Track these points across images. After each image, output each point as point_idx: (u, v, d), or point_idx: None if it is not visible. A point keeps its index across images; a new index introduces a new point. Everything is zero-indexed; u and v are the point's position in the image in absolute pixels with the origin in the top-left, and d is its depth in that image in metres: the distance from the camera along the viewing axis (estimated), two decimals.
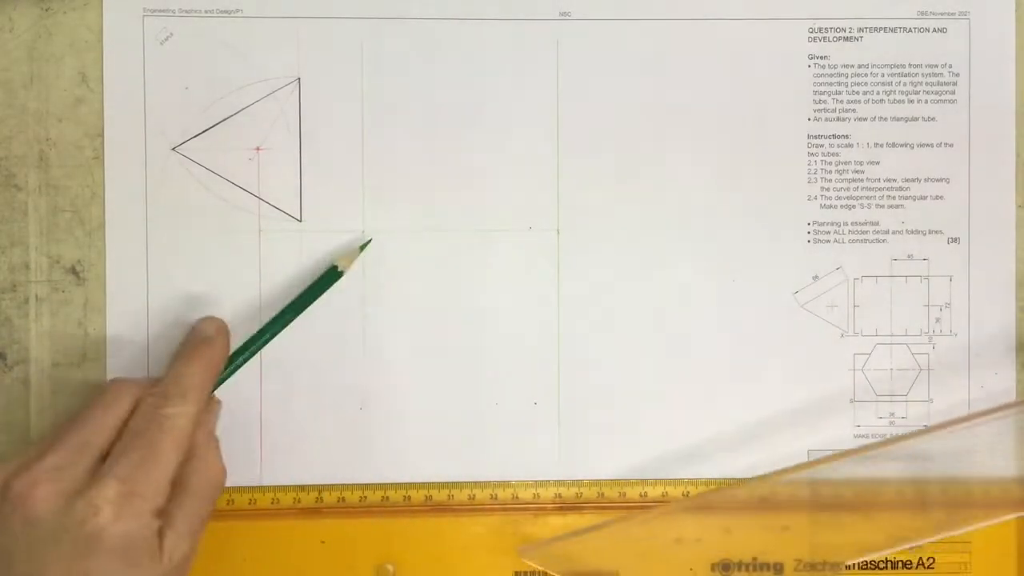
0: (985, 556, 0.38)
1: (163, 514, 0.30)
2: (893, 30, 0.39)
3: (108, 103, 0.37)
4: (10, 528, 0.29)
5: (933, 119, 0.39)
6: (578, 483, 0.38)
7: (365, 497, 0.37)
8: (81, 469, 0.30)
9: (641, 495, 0.38)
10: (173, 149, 0.37)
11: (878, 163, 0.38)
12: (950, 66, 0.39)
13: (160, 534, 0.30)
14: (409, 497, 0.37)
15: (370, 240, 0.37)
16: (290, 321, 0.36)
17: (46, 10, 0.37)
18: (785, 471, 0.38)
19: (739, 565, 0.38)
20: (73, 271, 0.37)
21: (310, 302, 0.36)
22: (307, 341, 0.37)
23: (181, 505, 0.31)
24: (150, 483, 0.30)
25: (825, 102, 0.38)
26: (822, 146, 0.38)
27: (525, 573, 0.38)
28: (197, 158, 0.37)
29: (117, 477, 0.29)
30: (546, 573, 0.38)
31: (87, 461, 0.30)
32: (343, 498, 0.37)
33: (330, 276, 0.36)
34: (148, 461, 0.30)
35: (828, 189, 0.38)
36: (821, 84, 0.38)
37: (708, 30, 0.38)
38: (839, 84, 0.38)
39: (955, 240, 0.39)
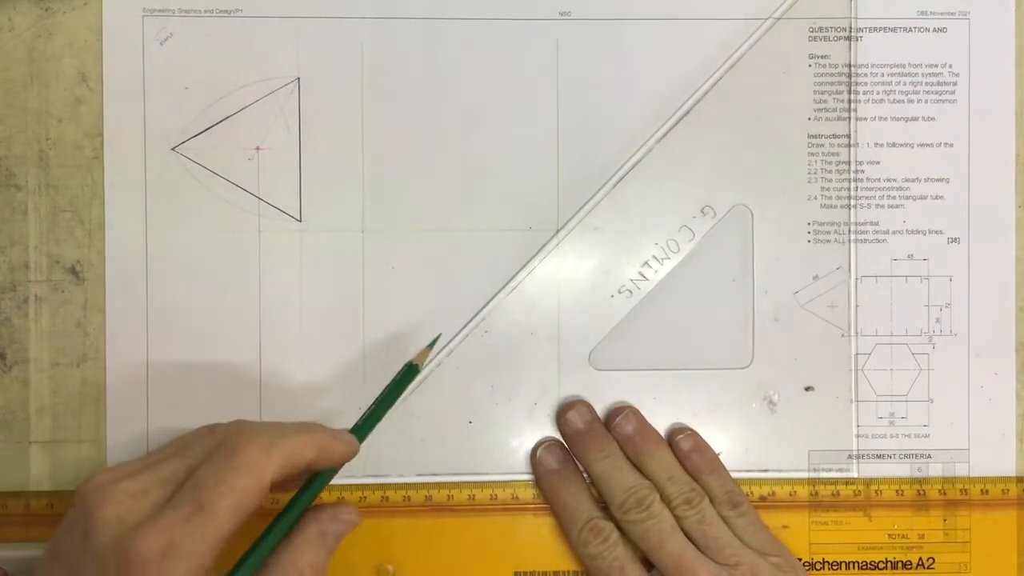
0: (985, 556, 0.39)
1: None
2: (893, 30, 0.39)
3: (108, 103, 0.38)
4: (73, 534, 0.29)
5: (933, 119, 0.39)
6: None
7: (365, 497, 0.38)
8: (149, 503, 0.29)
9: None
10: (173, 149, 0.38)
11: (878, 163, 0.39)
12: (950, 66, 0.39)
13: None
14: (409, 497, 0.38)
15: (439, 335, 0.38)
16: (376, 422, 0.35)
17: (46, 10, 0.38)
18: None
19: None
20: (73, 271, 0.38)
21: (393, 401, 0.35)
22: (307, 341, 0.38)
23: None
24: (192, 543, 0.28)
25: (825, 102, 0.39)
26: (822, 146, 0.39)
27: (525, 573, 0.38)
28: (197, 158, 0.38)
29: (160, 529, 0.28)
30: (547, 574, 0.38)
31: (160, 495, 0.29)
32: (343, 498, 0.38)
33: (410, 373, 0.36)
34: (195, 518, 0.28)
35: (828, 189, 0.39)
36: (821, 84, 0.39)
37: (708, 30, 0.39)
38: (839, 84, 0.39)
39: (955, 240, 0.39)
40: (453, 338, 0.38)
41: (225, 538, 0.29)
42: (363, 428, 0.34)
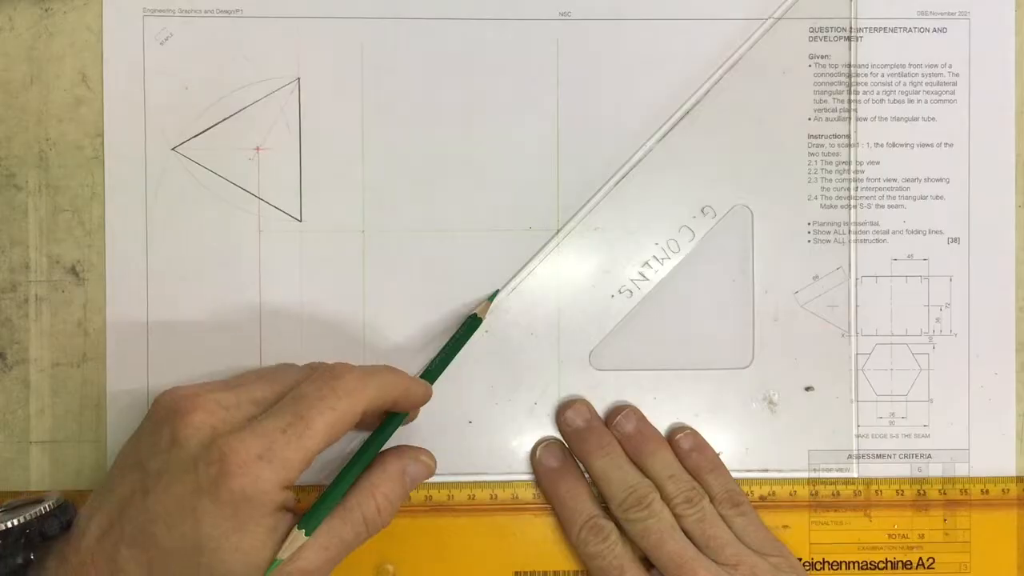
0: (985, 556, 0.39)
1: (295, 501, 0.31)
2: (893, 30, 0.39)
3: (108, 103, 0.38)
4: (158, 440, 0.31)
5: (933, 119, 0.40)
6: None
7: None
8: (242, 416, 0.31)
9: None
10: (173, 149, 0.38)
11: (878, 163, 0.39)
12: (950, 66, 0.40)
13: (283, 514, 0.30)
14: (409, 497, 0.38)
15: (498, 290, 0.39)
16: (443, 370, 0.37)
17: (46, 10, 0.38)
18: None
19: None
20: (73, 271, 0.38)
21: (456, 352, 0.38)
22: (308, 341, 0.38)
23: (331, 522, 0.31)
24: (288, 451, 0.30)
25: (825, 102, 0.39)
26: (822, 146, 0.39)
27: (525, 573, 0.38)
28: (197, 158, 0.38)
29: (259, 434, 0.30)
30: (547, 574, 0.38)
31: (251, 413, 0.31)
32: None
33: (472, 325, 0.38)
34: (293, 429, 0.30)
35: (828, 189, 0.39)
36: (821, 84, 0.39)
37: (708, 30, 0.39)
38: (839, 84, 0.39)
39: (955, 240, 0.40)
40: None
41: (313, 457, 0.30)
42: (432, 374, 0.37)
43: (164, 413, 0.31)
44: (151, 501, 0.30)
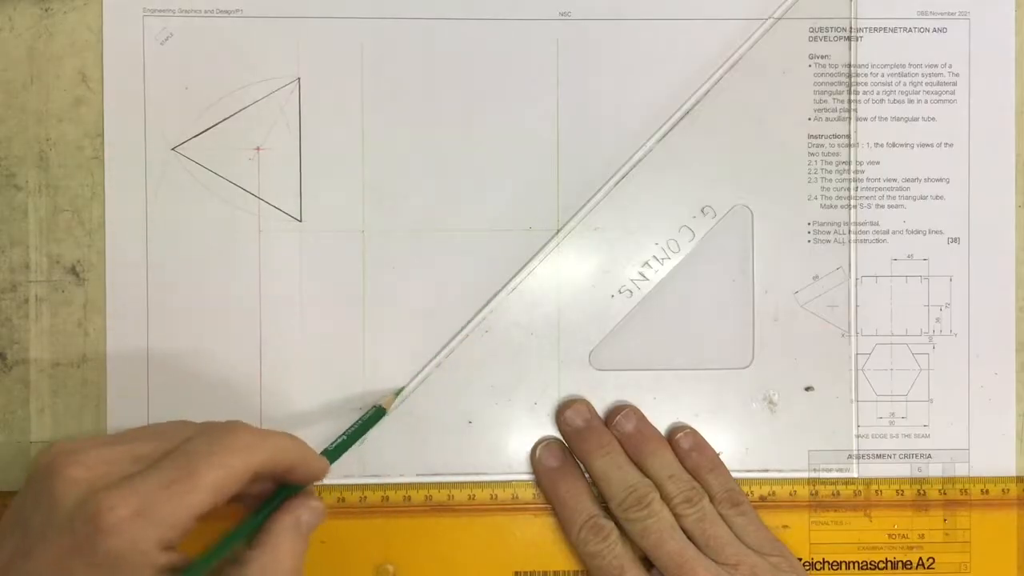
0: (985, 556, 0.39)
1: (175, 555, 0.28)
2: (893, 30, 0.39)
3: (108, 103, 0.38)
4: (38, 499, 0.29)
5: (933, 119, 0.40)
6: None
7: (365, 497, 0.38)
8: (120, 473, 0.29)
9: None
10: (173, 149, 0.38)
11: (878, 163, 0.39)
12: (950, 66, 0.40)
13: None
14: (409, 497, 0.38)
15: (403, 387, 0.38)
16: (344, 451, 0.36)
17: (46, 10, 0.38)
18: None
19: None
20: (73, 271, 0.38)
21: (361, 436, 0.37)
22: (307, 341, 0.38)
23: None
24: (171, 509, 0.27)
25: (825, 102, 0.39)
26: (822, 146, 0.39)
27: (525, 573, 0.38)
28: (197, 158, 0.38)
29: (136, 490, 0.28)
30: (547, 574, 0.38)
31: (132, 470, 0.29)
32: (343, 498, 0.38)
33: (377, 414, 0.38)
34: (178, 485, 0.28)
35: (828, 189, 0.39)
36: (821, 84, 0.39)
37: (708, 30, 0.39)
38: (839, 84, 0.39)
39: (955, 240, 0.40)
40: (453, 338, 0.39)
41: (198, 516, 0.28)
42: (332, 454, 0.35)
43: (43, 471, 0.29)
44: (31, 566, 0.27)
